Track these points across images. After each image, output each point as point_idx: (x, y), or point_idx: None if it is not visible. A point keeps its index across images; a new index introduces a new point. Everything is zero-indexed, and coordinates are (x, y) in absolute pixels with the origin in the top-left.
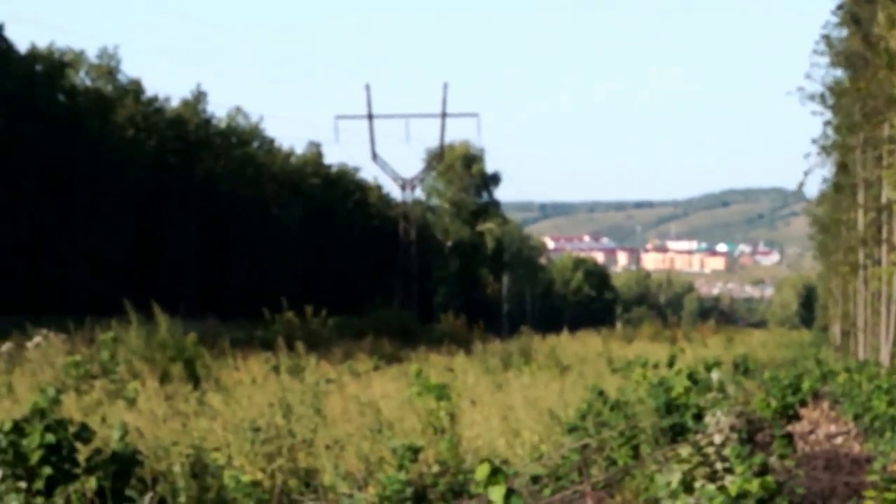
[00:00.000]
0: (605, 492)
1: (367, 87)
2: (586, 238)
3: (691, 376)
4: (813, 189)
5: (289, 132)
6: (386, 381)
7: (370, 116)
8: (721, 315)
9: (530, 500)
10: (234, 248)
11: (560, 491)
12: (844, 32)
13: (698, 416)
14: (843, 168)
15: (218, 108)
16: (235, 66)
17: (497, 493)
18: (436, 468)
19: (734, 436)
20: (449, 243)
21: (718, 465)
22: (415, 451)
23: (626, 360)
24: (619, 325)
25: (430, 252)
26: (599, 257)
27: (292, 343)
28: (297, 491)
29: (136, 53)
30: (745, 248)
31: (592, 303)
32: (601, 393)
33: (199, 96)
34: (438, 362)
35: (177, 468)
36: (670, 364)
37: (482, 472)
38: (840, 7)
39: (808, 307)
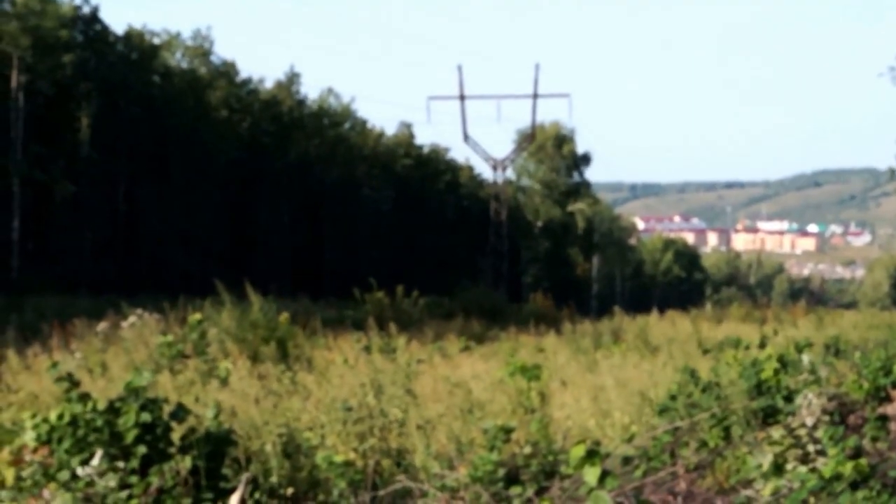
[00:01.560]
0: (696, 473)
1: (459, 68)
2: (676, 219)
3: (781, 358)
4: None
5: (381, 113)
6: (476, 362)
7: (462, 97)
8: (811, 296)
9: (622, 481)
10: (327, 228)
11: (652, 472)
12: None
13: (789, 398)
14: None
15: (311, 90)
16: (329, 48)
17: (592, 474)
18: (527, 449)
19: (826, 418)
20: (539, 224)
21: (810, 448)
22: (507, 431)
23: (715, 341)
24: (708, 306)
25: (521, 232)
26: (689, 238)
27: (383, 323)
28: (388, 471)
29: (230, 35)
30: (836, 228)
31: (682, 284)
32: (692, 374)
33: (293, 77)
34: (528, 342)
35: (269, 448)
36: (761, 345)
37: (577, 452)
38: None
39: None
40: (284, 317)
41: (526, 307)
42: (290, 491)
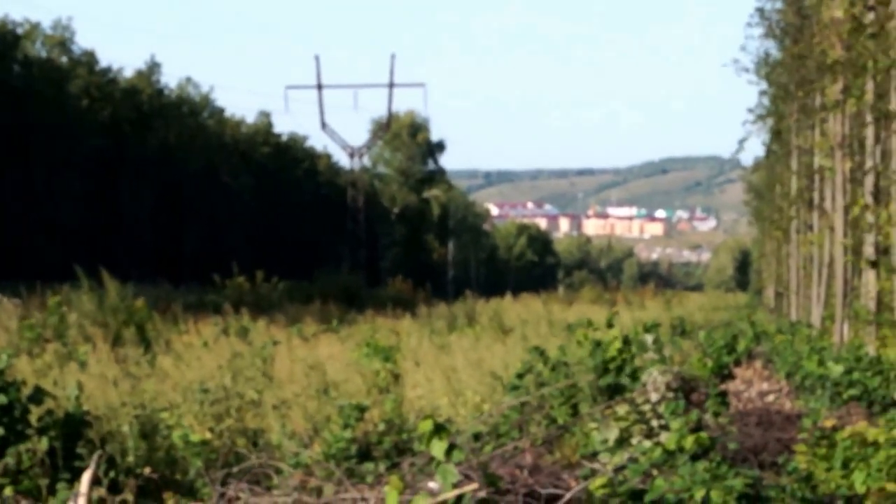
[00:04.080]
0: (544, 448)
1: (317, 58)
2: (529, 205)
3: (626, 338)
4: (748, 157)
5: (241, 102)
6: (333, 344)
7: (319, 87)
8: (659, 279)
9: (471, 457)
10: (188, 215)
11: (500, 448)
12: (778, 5)
13: (634, 376)
14: (777, 136)
15: (172, 79)
16: (189, 37)
17: (439, 447)
18: (381, 427)
19: (670, 394)
20: (396, 210)
21: (654, 423)
22: (361, 409)
23: (566, 323)
24: (560, 289)
25: (378, 218)
26: (542, 223)
27: (243, 307)
28: (245, 450)
29: (91, 25)
30: (682, 214)
31: (535, 268)
32: (541, 353)
33: (153, 67)
34: (384, 325)
35: (126, 429)
36: (609, 325)
37: (424, 427)
38: None
39: (742, 271)
40: (141, 301)
41: (383, 291)
42: (147, 470)
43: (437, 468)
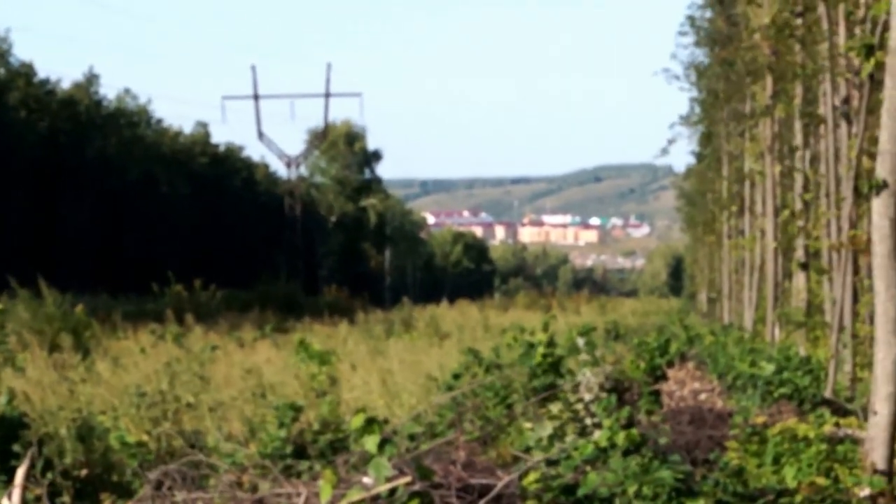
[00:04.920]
0: (479, 448)
1: (253, 68)
2: (465, 213)
3: (551, 339)
4: (680, 163)
5: (178, 112)
6: (270, 350)
7: (256, 97)
8: (594, 285)
9: (406, 455)
10: (127, 226)
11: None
12: (708, 13)
13: (568, 377)
14: (707, 141)
15: (111, 90)
16: (126, 49)
17: (372, 441)
18: (316, 426)
19: (603, 394)
20: (333, 219)
21: (588, 421)
22: (296, 409)
23: (502, 328)
24: (496, 296)
25: (315, 227)
26: (478, 231)
27: (181, 315)
28: (181, 452)
29: (29, 37)
30: (616, 221)
31: (471, 275)
32: (476, 355)
33: (92, 78)
34: (322, 332)
35: (63, 431)
36: (544, 329)
37: (357, 422)
38: None
39: (676, 277)
40: (80, 309)
41: (321, 299)
42: (84, 472)
43: (370, 462)
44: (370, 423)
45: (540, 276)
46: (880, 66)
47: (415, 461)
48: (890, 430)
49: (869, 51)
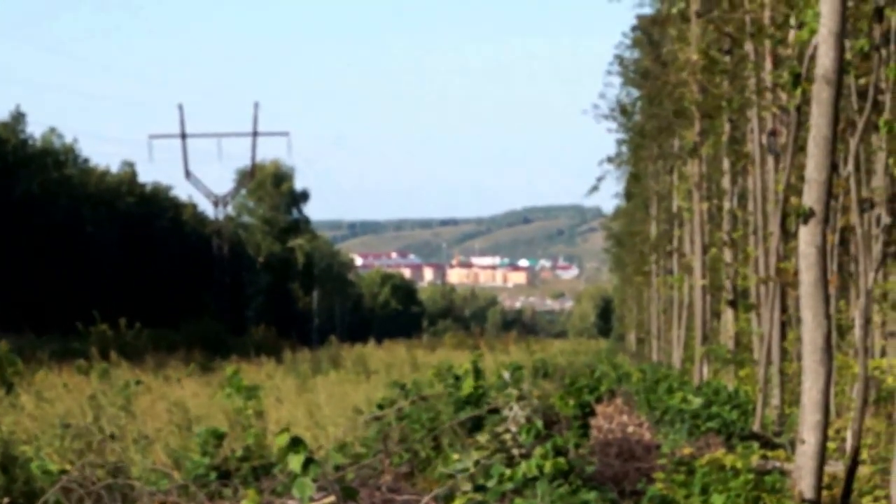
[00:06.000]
0: (405, 479)
1: (180, 107)
2: (394, 255)
3: (477, 370)
4: (609, 205)
5: (104, 151)
6: (196, 387)
7: (183, 135)
8: (523, 327)
9: (335, 485)
10: (52, 265)
11: (360, 470)
12: (636, 53)
13: (496, 410)
14: (636, 181)
15: (38, 129)
16: (53, 87)
17: (296, 461)
18: (239, 452)
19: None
20: (261, 259)
21: (515, 451)
22: (218, 436)
23: (430, 366)
24: (425, 337)
25: (243, 267)
26: (406, 273)
27: (107, 354)
28: (105, 482)
29: None
30: (545, 262)
31: (400, 316)
32: (402, 387)
33: (18, 117)
34: (249, 370)
35: None
36: (473, 368)
37: (281, 440)
38: (634, 29)
39: (605, 318)
40: (4, 344)
41: (248, 339)
42: (5, 501)
43: (294, 482)
44: (295, 443)
45: (468, 318)
46: (807, 96)
47: (339, 482)
48: (818, 459)
49: (796, 80)
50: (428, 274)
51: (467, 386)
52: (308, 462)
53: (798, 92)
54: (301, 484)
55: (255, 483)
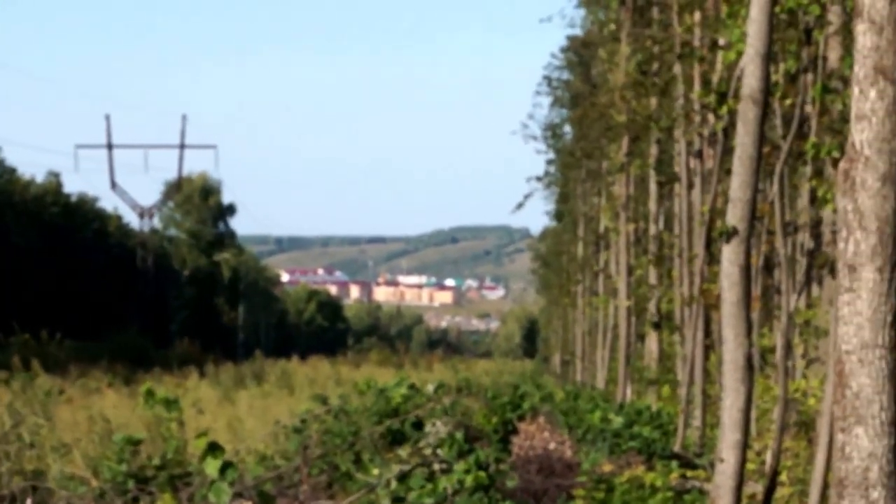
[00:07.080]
0: (325, 494)
1: (107, 117)
2: (320, 271)
3: (412, 385)
4: (536, 225)
5: (30, 159)
6: (118, 398)
7: (110, 146)
8: (448, 346)
9: (252, 492)
10: None
11: (279, 482)
12: (566, 74)
13: (418, 425)
14: (564, 202)
15: None
16: None
17: (213, 465)
18: (156, 461)
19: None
20: (186, 272)
21: (436, 466)
22: (134, 443)
23: (354, 382)
24: (349, 353)
25: (168, 280)
26: (333, 290)
27: (29, 364)
28: (23, 490)
29: None
30: (472, 283)
31: (325, 333)
32: (324, 400)
33: None
34: (171, 382)
35: None
36: (397, 385)
37: (199, 444)
38: (564, 50)
39: (530, 339)
40: None
41: (172, 352)
42: None
43: (211, 487)
44: (213, 448)
45: (394, 336)
46: (733, 119)
47: (256, 488)
48: (737, 479)
49: (722, 98)
50: (354, 291)
51: (397, 395)
52: (225, 466)
53: (725, 111)
54: (218, 489)
55: (173, 491)
